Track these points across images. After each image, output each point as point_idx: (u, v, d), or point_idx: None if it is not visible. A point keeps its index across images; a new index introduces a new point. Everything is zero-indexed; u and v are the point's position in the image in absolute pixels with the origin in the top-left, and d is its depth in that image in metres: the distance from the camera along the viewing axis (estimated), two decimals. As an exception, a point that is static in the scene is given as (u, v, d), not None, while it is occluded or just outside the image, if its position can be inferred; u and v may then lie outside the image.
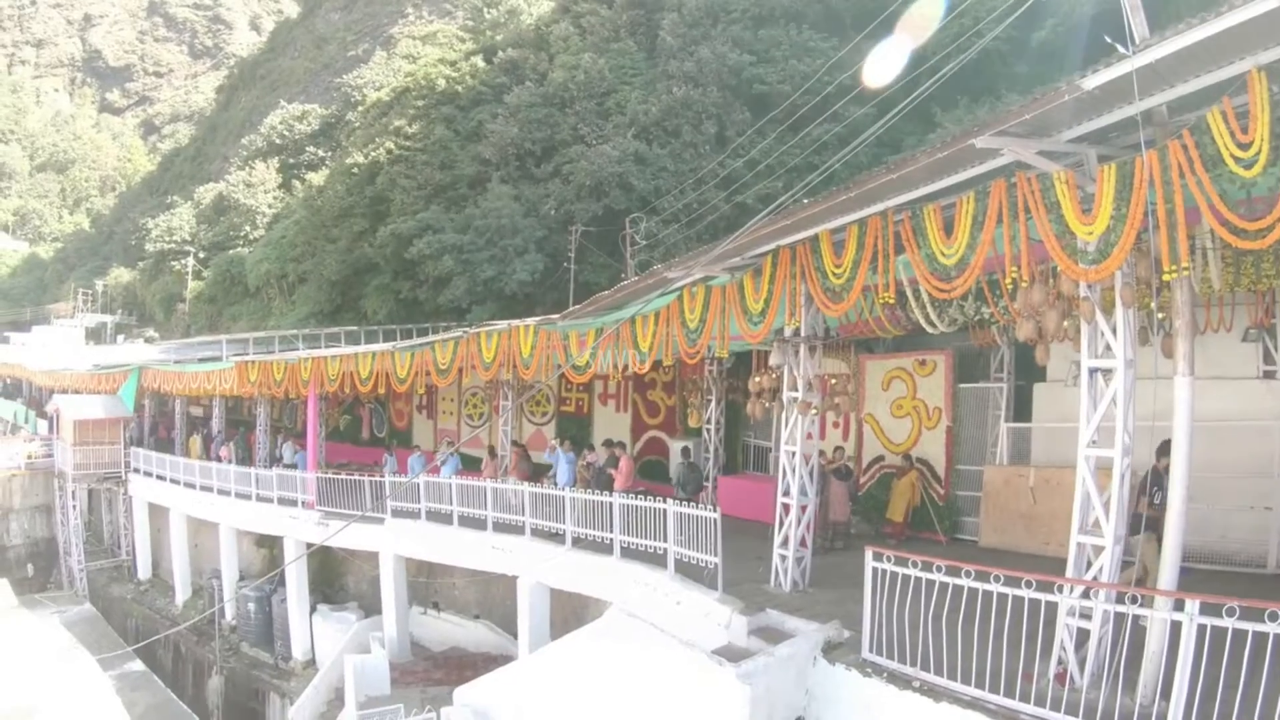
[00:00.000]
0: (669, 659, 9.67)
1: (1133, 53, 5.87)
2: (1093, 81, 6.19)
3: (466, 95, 41.07)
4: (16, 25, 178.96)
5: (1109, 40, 6.18)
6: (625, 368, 15.17)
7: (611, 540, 13.76)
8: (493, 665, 16.33)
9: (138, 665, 23.53)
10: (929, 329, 11.43)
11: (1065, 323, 8.48)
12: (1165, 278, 6.98)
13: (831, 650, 9.36)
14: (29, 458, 33.72)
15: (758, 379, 13.50)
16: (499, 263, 31.91)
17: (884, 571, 8.59)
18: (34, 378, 42.14)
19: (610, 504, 13.79)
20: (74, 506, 30.41)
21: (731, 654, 9.53)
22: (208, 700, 23.12)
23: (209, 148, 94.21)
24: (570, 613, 15.90)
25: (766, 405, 13.54)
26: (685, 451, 18.50)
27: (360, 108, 53.13)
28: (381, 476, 21.31)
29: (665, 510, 12.56)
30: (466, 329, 17.91)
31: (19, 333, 72.43)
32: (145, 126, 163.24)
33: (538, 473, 19.25)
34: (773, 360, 12.36)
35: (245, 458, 25.99)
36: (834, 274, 9.97)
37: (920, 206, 8.75)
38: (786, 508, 11.72)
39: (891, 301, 10.66)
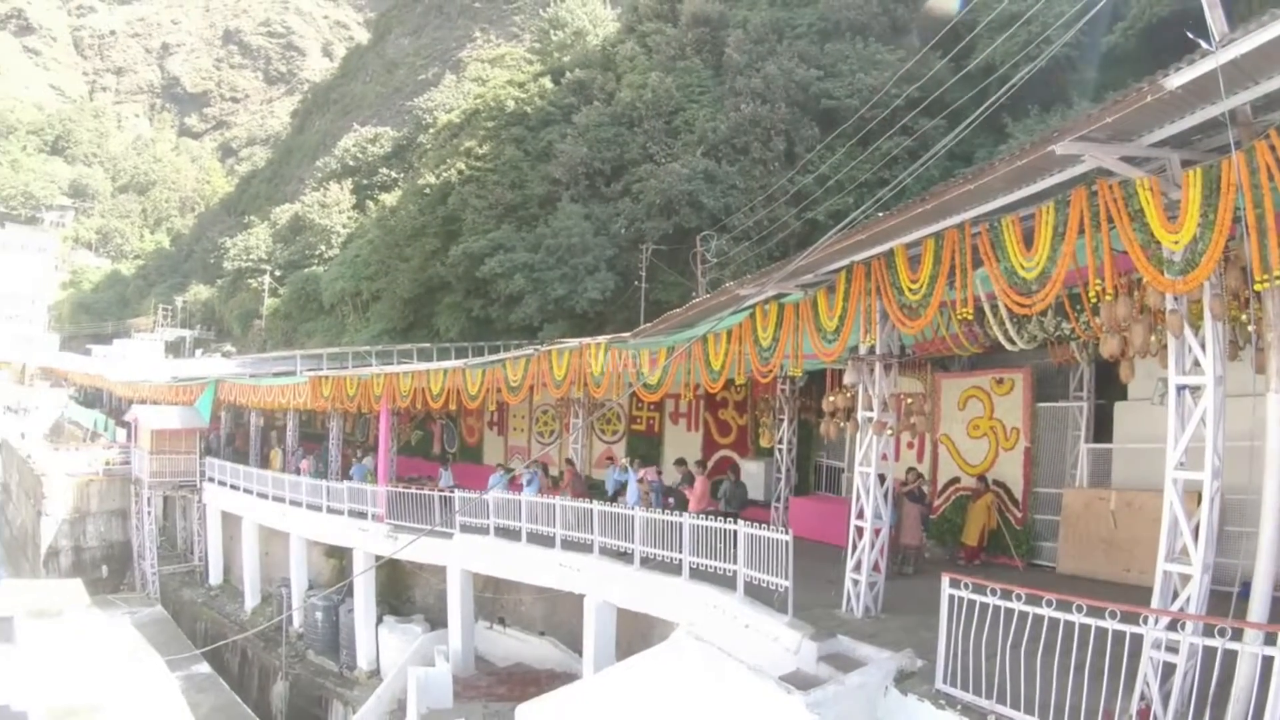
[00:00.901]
0: (736, 685, 9.50)
1: (1216, 49, 5.71)
2: (1175, 80, 6.01)
3: (535, 116, 41.87)
4: (97, 54, 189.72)
5: (1191, 36, 5.99)
6: (697, 386, 15.19)
7: (680, 561, 13.70)
8: (556, 683, 16.37)
9: (204, 668, 24.24)
10: (1008, 346, 11.21)
11: (1152, 337, 8.21)
12: (1256, 288, 6.75)
13: (904, 680, 9.17)
14: (107, 464, 35.40)
15: (832, 398, 13.27)
16: (570, 281, 32.34)
17: (961, 599, 8.43)
18: (114, 388, 43.96)
19: (680, 524, 13.73)
20: (149, 512, 31.69)
21: (800, 681, 9.45)
22: (271, 705, 23.77)
23: (284, 170, 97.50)
24: (636, 633, 15.92)
25: (841, 425, 13.35)
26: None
27: (431, 130, 54.68)
28: (435, 489, 21.73)
29: (736, 531, 12.49)
30: (538, 346, 18.19)
31: (100, 345, 75.96)
32: (223, 150, 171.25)
33: (590, 490, 19.40)
34: (847, 379, 12.21)
35: (324, 472, 26.67)
36: (910, 289, 9.85)
37: (998, 218, 8.60)
38: (860, 530, 11.56)
39: (969, 317, 10.45)
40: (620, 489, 18.07)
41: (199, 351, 69.33)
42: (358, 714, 19.49)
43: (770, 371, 13.25)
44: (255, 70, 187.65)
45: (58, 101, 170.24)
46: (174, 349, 73.16)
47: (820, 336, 11.58)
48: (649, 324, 15.05)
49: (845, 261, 10.84)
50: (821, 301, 11.51)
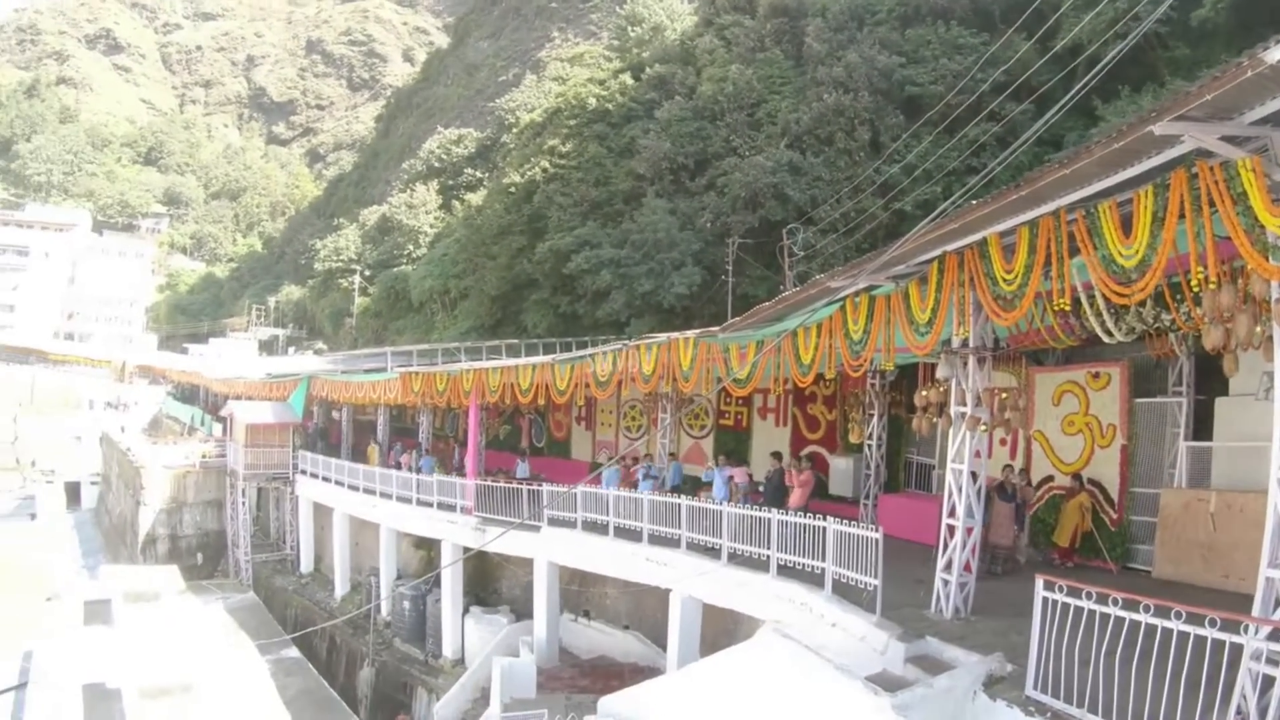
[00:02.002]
0: (821, 684, 9.54)
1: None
2: (1276, 54, 5.78)
3: (617, 112, 42.45)
4: (185, 69, 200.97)
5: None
6: (786, 381, 14.96)
7: (768, 557, 13.70)
8: (640, 677, 16.57)
9: (294, 652, 25.28)
10: (1105, 338, 10.78)
11: (1257, 328, 7.89)
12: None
13: (993, 684, 9.05)
14: (204, 457, 37.18)
15: (924, 393, 13.10)
16: (656, 276, 32.63)
17: (1055, 602, 8.24)
18: (210, 385, 45.93)
19: (768, 519, 13.73)
20: (243, 503, 33.22)
21: (887, 682, 9.41)
22: (357, 690, 24.57)
23: (371, 173, 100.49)
24: (721, 629, 15.93)
25: (933, 421, 13.13)
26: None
27: (514, 129, 55.69)
28: (511, 480, 22.32)
29: (825, 528, 12.43)
30: (626, 341, 18.36)
31: (197, 344, 79.65)
32: (310, 155, 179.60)
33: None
34: (940, 373, 12.12)
35: (421, 467, 27.15)
36: (1004, 280, 9.66)
37: (1095, 204, 8.39)
38: (951, 529, 11.42)
39: (1066, 308, 10.22)
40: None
41: (292, 349, 72.10)
42: (441, 701, 19.97)
43: (861, 365, 13.15)
44: (339, 78, 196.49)
45: (149, 115, 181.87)
46: (267, 347, 76.42)
47: (912, 329, 11.43)
48: (738, 318, 15.04)
49: (937, 252, 10.70)
50: (914, 293, 11.34)
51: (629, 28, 57.62)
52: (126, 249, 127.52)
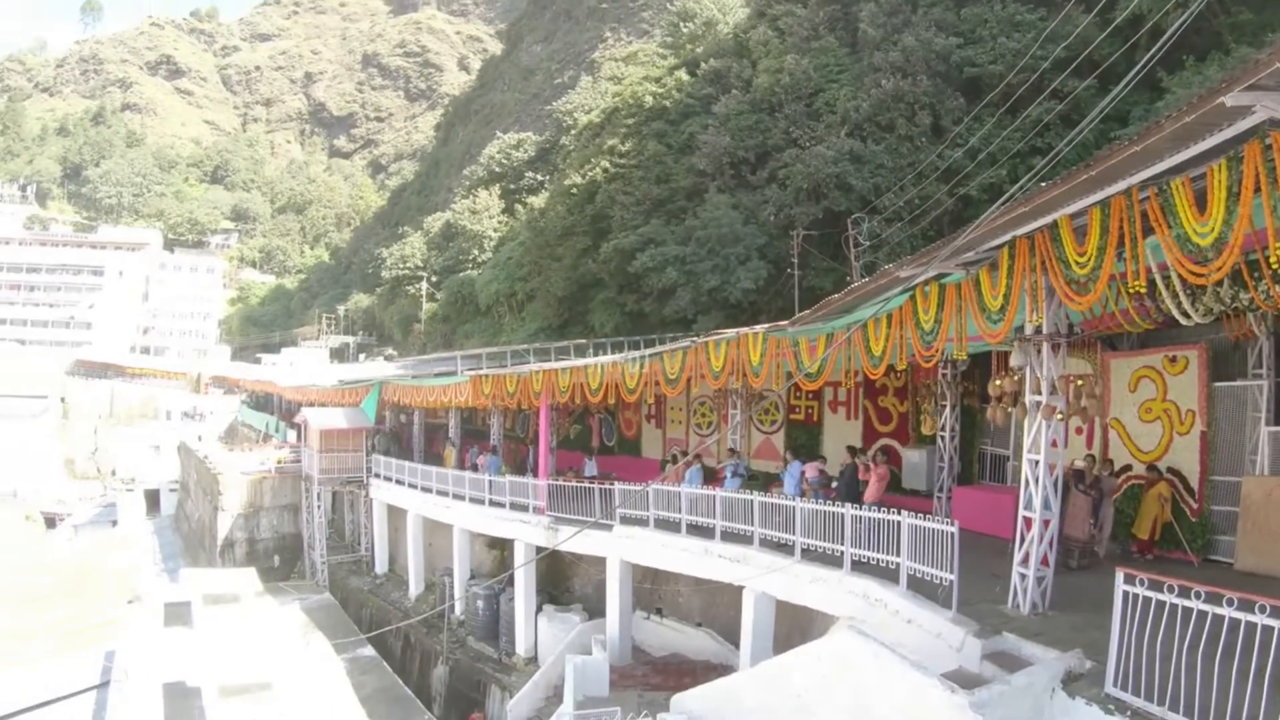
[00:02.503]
0: (896, 682, 9.48)
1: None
2: None
3: (675, 109, 42.71)
4: (246, 89, 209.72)
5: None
6: (857, 373, 14.89)
7: (842, 552, 13.67)
8: (712, 674, 16.60)
9: (369, 651, 25.99)
10: (1182, 320, 10.67)
11: None
12: None
13: (1072, 682, 8.95)
14: (279, 462, 38.48)
15: (998, 382, 12.91)
16: (722, 272, 32.66)
17: (1135, 596, 8.09)
18: (284, 392, 47.28)
19: (841, 515, 13.71)
20: (319, 506, 34.09)
21: (964, 680, 9.40)
22: (431, 687, 25.13)
23: (433, 180, 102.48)
24: (795, 626, 15.97)
25: (1007, 410, 12.89)
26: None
27: (572, 131, 56.43)
28: (580, 479, 22.55)
29: (899, 523, 12.38)
30: (695, 338, 18.19)
31: (269, 354, 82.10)
32: (372, 166, 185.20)
33: (708, 479, 19.79)
34: (1013, 361, 11.96)
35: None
36: (1077, 263, 9.52)
37: (1167, 181, 8.25)
38: (1028, 522, 11.23)
39: (1142, 290, 10.02)
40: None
41: (362, 356, 73.91)
42: (514, 699, 20.23)
43: (933, 355, 12.99)
44: (396, 89, 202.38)
45: (213, 135, 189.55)
46: (338, 354, 78.56)
47: (984, 317, 11.28)
48: (807, 311, 14.87)
49: (1007, 237, 10.52)
50: (984, 280, 11.21)
51: (681, 24, 57.94)
52: (198, 265, 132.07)
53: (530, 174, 64.93)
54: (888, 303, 12.94)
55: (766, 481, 19.93)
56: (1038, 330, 11.33)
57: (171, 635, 25.89)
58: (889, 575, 12.74)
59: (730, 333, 16.81)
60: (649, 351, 19.72)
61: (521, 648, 23.44)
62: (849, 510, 13.65)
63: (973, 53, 32.48)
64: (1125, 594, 8.26)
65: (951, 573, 11.27)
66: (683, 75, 45.15)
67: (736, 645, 17.09)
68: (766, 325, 16.12)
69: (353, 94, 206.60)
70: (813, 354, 14.91)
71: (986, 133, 28.01)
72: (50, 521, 78.43)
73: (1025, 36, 30.28)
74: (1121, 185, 8.69)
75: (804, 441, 22.06)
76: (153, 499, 57.78)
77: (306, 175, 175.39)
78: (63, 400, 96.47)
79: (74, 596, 39.93)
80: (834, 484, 16.77)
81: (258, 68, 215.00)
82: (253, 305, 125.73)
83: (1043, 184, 9.29)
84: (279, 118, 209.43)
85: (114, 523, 57.24)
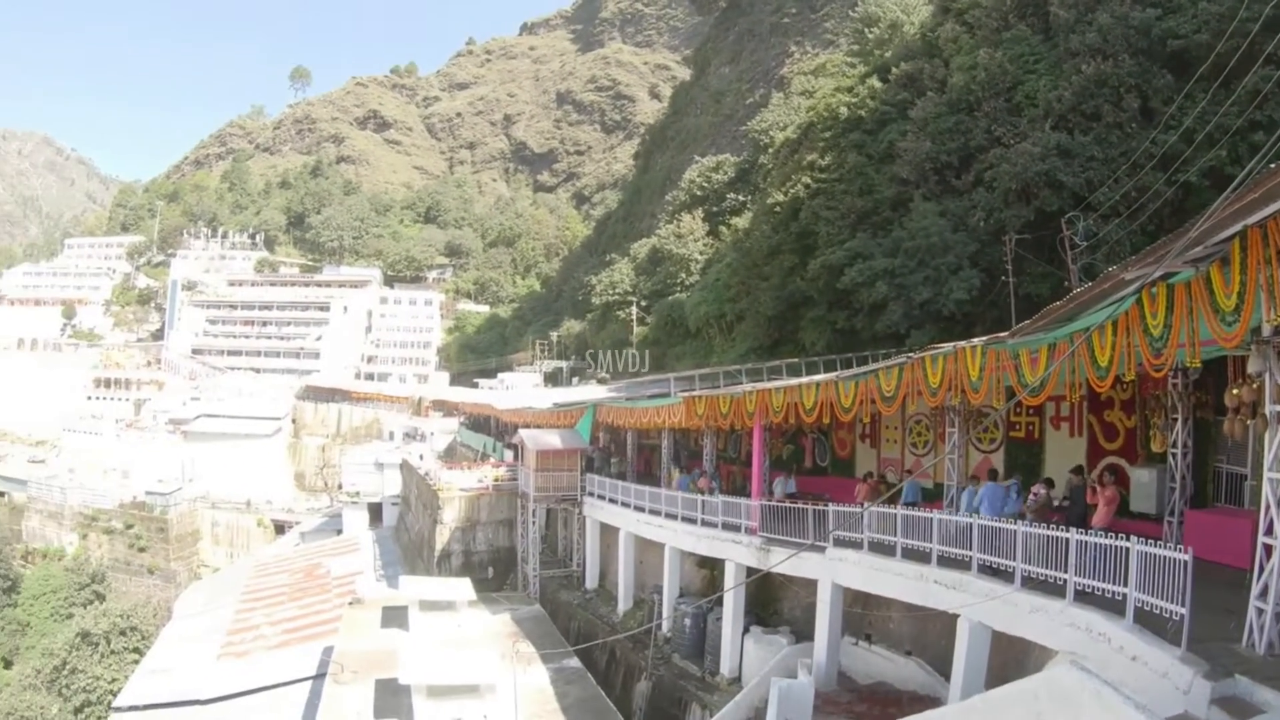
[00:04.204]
0: None
1: None
2: None
3: (870, 118, 42.33)
4: (449, 134, 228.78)
5: None
6: (1081, 386, 14.18)
7: (1064, 581, 13.10)
8: (918, 706, 16.48)
9: (575, 662, 27.12)
10: None
11: None
12: None
13: None
14: (496, 480, 41.09)
15: (1235, 391, 12.23)
16: (933, 284, 32.06)
17: None
18: (500, 415, 50.03)
19: (1065, 540, 13.12)
20: (533, 522, 36.05)
21: None
22: (633, 702, 25.94)
23: (636, 208, 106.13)
24: (1010, 658, 15.41)
25: (1246, 422, 12.16)
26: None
27: (770, 149, 56.89)
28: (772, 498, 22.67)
29: (1128, 549, 11.78)
30: (910, 354, 17.85)
31: (485, 379, 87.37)
32: (576, 198, 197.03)
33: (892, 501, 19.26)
34: (1251, 367, 11.09)
35: (720, 490, 27.55)
36: None
37: None
38: (1268, 550, 10.32)
39: None
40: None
41: (575, 379, 77.22)
42: (715, 718, 20.46)
43: (1163, 364, 12.18)
44: (592, 123, 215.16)
45: (423, 179, 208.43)
46: (552, 378, 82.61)
47: (1218, 318, 10.47)
48: (1027, 321, 14.33)
49: (1237, 227, 9.73)
50: (1215, 277, 10.45)
51: (866, 29, 57.67)
52: (416, 298, 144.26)
53: (731, 195, 66.04)
54: (1116, 307, 12.22)
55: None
56: (1277, 331, 10.47)
57: (388, 636, 28.38)
58: (1113, 607, 12.20)
59: (947, 347, 16.39)
60: (864, 369, 19.60)
61: (726, 668, 23.60)
62: (1074, 535, 13.05)
63: (1174, 23, 30.62)
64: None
65: (1183, 606, 10.62)
66: (874, 82, 44.67)
67: (946, 677, 16.70)
68: (984, 338, 15.66)
69: (551, 131, 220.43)
70: (1034, 367, 14.33)
71: (1201, 111, 26.31)
72: (280, 528, 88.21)
73: (1229, -1, 27.92)
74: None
75: (1024, 460, 21.26)
76: (375, 511, 62.42)
77: (514, 210, 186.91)
78: (293, 421, 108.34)
79: (300, 595, 43.93)
80: (1060, 505, 16.21)
81: (458, 114, 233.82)
82: (469, 333, 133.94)
83: (1273, 165, 8.70)
84: (483, 159, 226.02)
85: (338, 531, 62.82)
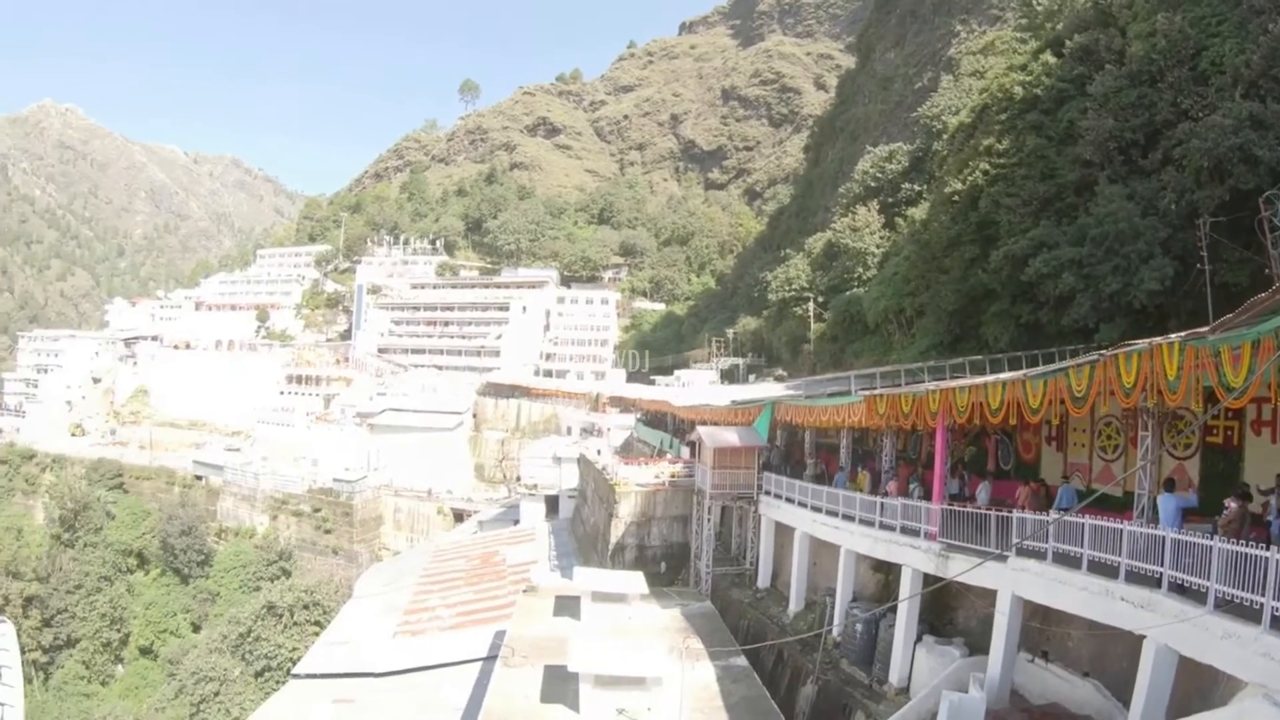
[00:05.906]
0: None
1: None
2: None
3: (1047, 96, 40.28)
4: (618, 137, 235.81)
5: None
6: None
7: (1262, 605, 12.44)
8: None
9: (741, 661, 27.36)
10: None
11: None
12: None
13: None
14: (673, 476, 42.14)
15: None
16: (1123, 274, 30.27)
17: None
18: (677, 412, 50.98)
19: (1266, 560, 12.49)
20: (708, 519, 36.77)
21: None
22: (796, 704, 26.18)
23: (809, 202, 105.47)
24: (1194, 687, 14.78)
25: None
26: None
27: (944, 136, 54.62)
28: (969, 504, 22.10)
29: None
30: (1102, 351, 16.95)
31: (662, 375, 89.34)
32: (748, 194, 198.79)
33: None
34: None
35: (913, 494, 26.46)
36: None
37: None
38: None
39: None
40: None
41: (751, 376, 77.91)
42: None
43: None
44: (759, 118, 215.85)
45: (595, 181, 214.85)
46: (728, 375, 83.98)
47: None
48: (1229, 315, 13.66)
49: None
50: None
51: (1034, 1, 54.97)
52: (593, 297, 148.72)
53: (906, 185, 64.14)
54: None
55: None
56: None
57: (559, 624, 29.89)
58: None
59: (1142, 343, 15.68)
60: (1054, 367, 18.81)
61: (895, 676, 23.46)
62: (1275, 555, 12.39)
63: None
64: None
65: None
66: (1048, 58, 42.25)
67: (1125, 703, 16.05)
68: (1182, 333, 14.87)
69: (718, 128, 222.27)
70: (1236, 366, 13.46)
71: None
72: (458, 516, 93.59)
73: None
74: None
75: (1222, 468, 19.83)
76: (551, 503, 64.93)
77: (686, 209, 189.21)
78: (474, 416, 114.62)
79: (475, 581, 46.62)
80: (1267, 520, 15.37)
81: (626, 117, 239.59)
82: (645, 331, 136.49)
83: None
84: (653, 159, 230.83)
85: (515, 522, 65.68)
